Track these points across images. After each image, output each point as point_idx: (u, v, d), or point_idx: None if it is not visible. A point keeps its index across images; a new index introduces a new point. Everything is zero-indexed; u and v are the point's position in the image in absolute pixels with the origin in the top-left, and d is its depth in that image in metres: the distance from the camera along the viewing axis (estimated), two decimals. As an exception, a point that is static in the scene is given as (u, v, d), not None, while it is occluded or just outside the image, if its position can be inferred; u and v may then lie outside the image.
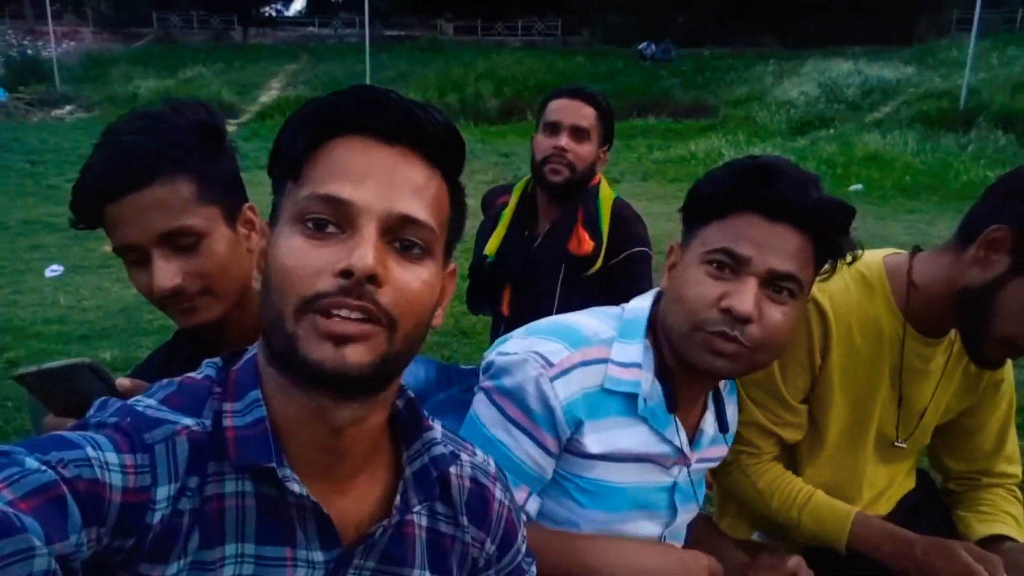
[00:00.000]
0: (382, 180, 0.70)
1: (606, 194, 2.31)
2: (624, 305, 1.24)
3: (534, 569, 1.00)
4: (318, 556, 0.75)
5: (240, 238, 1.14)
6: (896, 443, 1.46)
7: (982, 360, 1.31)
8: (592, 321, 1.19)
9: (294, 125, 0.73)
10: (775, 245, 1.04)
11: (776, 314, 1.05)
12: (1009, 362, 1.48)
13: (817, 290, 1.35)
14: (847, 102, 19.79)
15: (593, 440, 1.13)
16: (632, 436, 1.15)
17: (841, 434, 1.44)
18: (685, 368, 1.14)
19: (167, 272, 1.06)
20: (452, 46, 29.69)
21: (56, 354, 4.36)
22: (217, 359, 0.79)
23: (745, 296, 1.03)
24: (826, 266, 1.11)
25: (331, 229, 0.69)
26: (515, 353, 1.12)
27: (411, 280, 0.71)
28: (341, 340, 0.67)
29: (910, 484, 1.59)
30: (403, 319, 0.70)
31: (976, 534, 1.43)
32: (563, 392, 1.10)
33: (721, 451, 1.32)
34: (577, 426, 1.12)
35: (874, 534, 1.32)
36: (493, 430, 1.13)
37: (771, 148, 16.13)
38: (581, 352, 1.13)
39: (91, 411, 0.72)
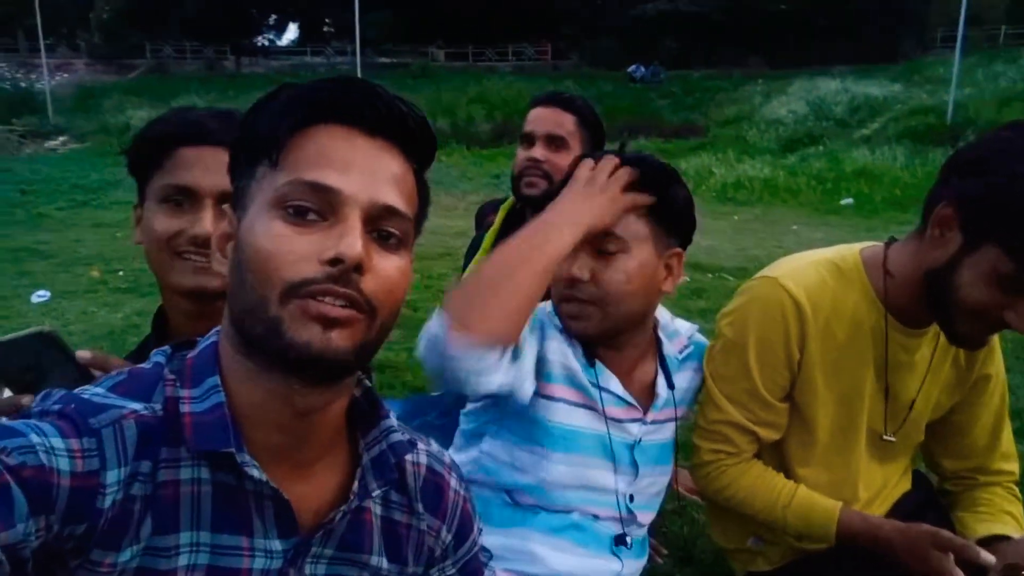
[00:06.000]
0: (366, 170, 0.71)
1: None
2: None
3: (493, 565, 0.99)
4: (276, 545, 0.74)
5: None
6: (884, 436, 1.42)
7: (961, 340, 1.27)
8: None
9: (275, 109, 0.72)
10: None
11: None
12: (1000, 356, 1.46)
13: (792, 283, 1.32)
14: (835, 119, 20.05)
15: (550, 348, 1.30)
16: (559, 352, 1.32)
17: (832, 432, 1.40)
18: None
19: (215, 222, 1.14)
20: (443, 72, 30.04)
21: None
22: (165, 347, 0.79)
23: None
24: None
25: (312, 217, 0.69)
26: None
27: (390, 269, 0.72)
28: (330, 323, 0.68)
29: (906, 485, 1.55)
30: (382, 307, 0.71)
31: (975, 535, 1.38)
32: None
33: (671, 412, 1.41)
34: (542, 328, 1.31)
35: (864, 521, 1.32)
36: None
37: (761, 165, 16.31)
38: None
39: (35, 402, 0.71)
